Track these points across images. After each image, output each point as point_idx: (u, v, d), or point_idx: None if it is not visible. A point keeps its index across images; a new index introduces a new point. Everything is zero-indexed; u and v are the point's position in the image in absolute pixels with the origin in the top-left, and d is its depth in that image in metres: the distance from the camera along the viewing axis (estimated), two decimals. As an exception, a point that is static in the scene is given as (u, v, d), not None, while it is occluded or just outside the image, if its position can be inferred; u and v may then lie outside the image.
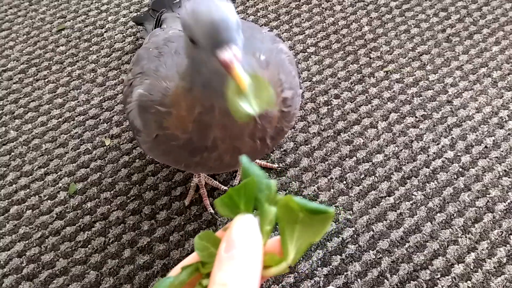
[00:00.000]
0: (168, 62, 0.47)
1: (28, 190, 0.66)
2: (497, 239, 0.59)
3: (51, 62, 0.82)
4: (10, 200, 0.65)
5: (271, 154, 0.68)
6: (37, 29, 0.88)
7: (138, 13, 0.90)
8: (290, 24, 0.86)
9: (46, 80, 0.80)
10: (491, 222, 0.60)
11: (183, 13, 0.38)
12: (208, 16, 0.36)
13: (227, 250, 0.22)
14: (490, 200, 0.62)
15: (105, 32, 0.87)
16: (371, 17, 0.86)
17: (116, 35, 0.86)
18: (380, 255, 0.58)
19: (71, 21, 0.89)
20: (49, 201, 0.64)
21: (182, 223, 0.62)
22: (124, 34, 0.86)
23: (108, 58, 0.82)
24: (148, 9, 0.83)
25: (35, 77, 0.80)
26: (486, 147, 0.68)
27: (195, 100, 0.42)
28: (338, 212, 0.62)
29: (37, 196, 0.65)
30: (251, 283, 0.22)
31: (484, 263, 0.57)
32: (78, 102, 0.76)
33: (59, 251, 0.60)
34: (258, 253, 0.23)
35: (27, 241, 0.61)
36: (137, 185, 0.66)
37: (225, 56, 0.35)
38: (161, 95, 0.45)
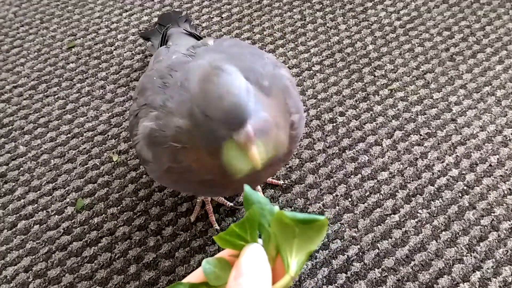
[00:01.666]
0: (175, 97, 0.47)
1: (36, 205, 0.67)
2: (502, 258, 0.59)
3: (61, 79, 0.84)
4: (18, 214, 0.66)
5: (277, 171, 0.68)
6: (47, 47, 0.90)
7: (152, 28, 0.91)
8: (296, 43, 0.87)
9: (56, 96, 0.81)
10: (496, 241, 0.60)
11: (193, 92, 0.38)
12: (221, 103, 0.37)
13: (236, 277, 0.24)
14: (495, 219, 0.62)
15: (114, 49, 0.89)
16: (376, 36, 0.87)
17: (125, 52, 0.88)
18: (386, 274, 0.58)
19: (81, 38, 0.91)
20: (56, 216, 0.65)
21: (188, 239, 0.62)
22: (133, 52, 0.88)
23: (117, 75, 0.84)
24: (155, 24, 0.84)
25: (45, 93, 0.82)
26: (490, 165, 0.68)
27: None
28: (343, 228, 0.62)
29: (44, 211, 0.66)
30: None
31: (489, 282, 0.57)
32: (87, 118, 0.77)
33: (65, 267, 0.60)
34: (266, 278, 0.25)
35: (33, 256, 0.61)
36: (143, 201, 0.66)
37: (241, 138, 0.36)
38: (174, 132, 0.45)
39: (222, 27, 0.91)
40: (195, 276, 0.27)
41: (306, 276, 0.58)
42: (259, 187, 0.66)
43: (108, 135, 0.75)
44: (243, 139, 0.36)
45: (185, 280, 0.26)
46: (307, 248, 0.25)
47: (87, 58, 0.87)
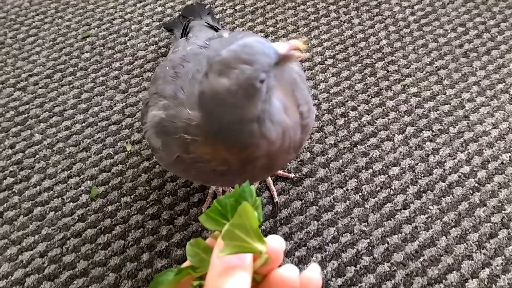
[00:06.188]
0: (187, 88, 0.48)
1: (51, 192, 0.68)
2: (511, 255, 0.59)
3: (76, 68, 0.85)
4: (34, 201, 0.67)
5: (288, 164, 0.69)
6: (63, 36, 0.91)
7: (170, 19, 0.92)
8: (309, 36, 0.87)
9: (71, 85, 0.82)
10: (506, 238, 0.60)
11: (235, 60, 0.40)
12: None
13: (219, 256, 0.25)
14: (505, 216, 0.62)
15: (128, 40, 0.89)
16: (389, 31, 0.87)
17: (139, 43, 0.88)
18: (395, 268, 0.59)
19: (96, 29, 0.92)
20: (71, 203, 0.66)
21: (200, 229, 0.63)
22: (146, 42, 0.89)
23: (131, 65, 0.85)
24: (179, 15, 0.85)
25: (60, 83, 0.83)
26: (502, 163, 0.68)
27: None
28: (352, 222, 0.63)
29: (60, 198, 0.67)
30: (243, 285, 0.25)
31: (498, 279, 0.57)
32: (101, 108, 0.78)
33: (80, 253, 0.61)
34: (247, 254, 0.26)
35: (49, 242, 0.63)
36: (156, 190, 0.67)
37: (283, 50, 0.40)
38: (185, 124, 0.45)
39: (236, 19, 0.92)
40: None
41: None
42: (269, 178, 0.66)
43: (122, 125, 0.76)
44: (286, 52, 0.40)
45: (183, 264, 0.28)
46: (255, 224, 0.27)
47: (102, 48, 0.88)
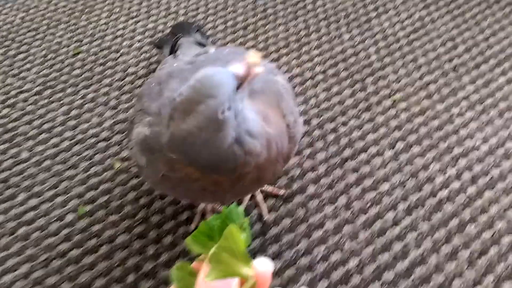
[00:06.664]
0: (166, 93, 0.48)
1: (37, 211, 0.67)
2: (503, 272, 0.58)
3: (66, 84, 0.85)
4: (19, 220, 0.66)
5: (278, 180, 0.68)
6: (53, 52, 0.91)
7: (161, 35, 0.92)
8: (300, 52, 0.88)
9: (61, 102, 0.82)
10: (497, 255, 0.60)
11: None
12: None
13: (204, 281, 0.25)
14: (496, 233, 0.62)
15: (119, 56, 0.89)
16: (379, 46, 0.87)
17: (130, 59, 0.88)
18: (386, 287, 0.58)
19: (87, 45, 0.92)
20: (57, 222, 0.65)
21: (188, 248, 0.62)
22: (138, 59, 0.89)
23: (122, 82, 0.85)
24: (168, 33, 0.85)
25: (50, 99, 0.83)
26: (492, 178, 0.68)
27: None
28: (343, 240, 0.62)
29: (45, 218, 0.66)
30: None
31: (490, 297, 0.56)
32: (91, 124, 0.78)
33: (64, 274, 0.60)
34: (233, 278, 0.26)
35: (33, 263, 0.62)
36: (144, 209, 0.66)
37: (241, 71, 0.40)
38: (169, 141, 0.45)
39: (227, 35, 0.92)
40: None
41: (305, 288, 0.58)
42: (259, 195, 0.66)
43: (111, 142, 0.75)
44: (244, 72, 0.40)
45: None
46: (243, 247, 0.27)
47: (93, 64, 0.88)
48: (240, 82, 0.40)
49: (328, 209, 0.65)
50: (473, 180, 0.67)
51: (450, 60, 0.84)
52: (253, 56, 0.40)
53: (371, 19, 0.93)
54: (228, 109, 0.39)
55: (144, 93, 0.52)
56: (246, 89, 0.42)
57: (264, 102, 0.47)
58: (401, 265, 0.59)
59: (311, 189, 0.68)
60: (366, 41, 0.88)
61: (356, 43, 0.88)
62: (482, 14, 0.92)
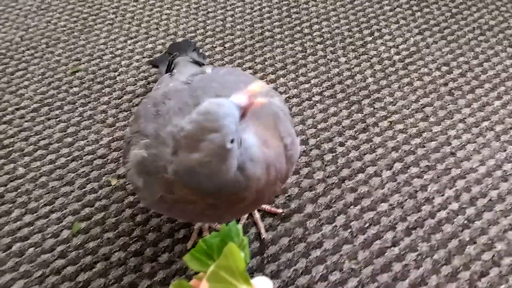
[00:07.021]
0: (168, 127, 0.47)
1: (32, 227, 0.66)
2: (504, 294, 0.58)
3: (63, 102, 0.85)
4: (13, 237, 0.65)
5: (276, 199, 0.68)
6: (52, 70, 0.91)
7: (160, 55, 0.93)
8: (297, 73, 0.89)
9: (58, 119, 0.81)
10: (498, 277, 0.59)
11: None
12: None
13: None
14: (496, 254, 0.62)
15: (118, 75, 0.90)
16: (375, 69, 0.89)
17: (128, 78, 0.89)
18: (385, 307, 0.57)
19: (86, 64, 0.92)
20: (52, 239, 0.64)
21: (184, 267, 0.61)
22: (136, 78, 0.89)
23: (119, 100, 0.85)
24: (165, 52, 0.86)
25: (47, 116, 0.82)
26: (490, 200, 0.68)
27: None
28: (342, 260, 0.61)
29: (40, 234, 0.65)
30: None
31: (491, 319, 0.56)
32: (88, 141, 0.77)
33: (58, 292, 0.59)
34: None
35: (27, 280, 0.60)
36: (140, 226, 0.65)
37: (243, 102, 0.40)
38: (167, 164, 0.44)
39: (225, 56, 0.93)
40: None
41: (304, 308, 0.57)
42: (257, 214, 0.65)
43: (107, 159, 0.75)
44: (247, 102, 0.40)
45: None
46: (242, 265, 0.26)
47: (91, 82, 0.88)
48: (243, 112, 0.41)
49: (327, 229, 0.65)
50: (472, 201, 0.68)
51: (445, 83, 0.86)
52: (256, 85, 0.41)
53: (367, 43, 0.95)
54: (232, 141, 0.39)
55: (140, 114, 0.52)
56: (248, 118, 0.42)
57: (262, 124, 0.47)
58: (401, 286, 0.59)
59: (309, 208, 0.67)
60: (362, 65, 0.90)
61: (352, 66, 0.90)
62: (476, 40, 0.94)
